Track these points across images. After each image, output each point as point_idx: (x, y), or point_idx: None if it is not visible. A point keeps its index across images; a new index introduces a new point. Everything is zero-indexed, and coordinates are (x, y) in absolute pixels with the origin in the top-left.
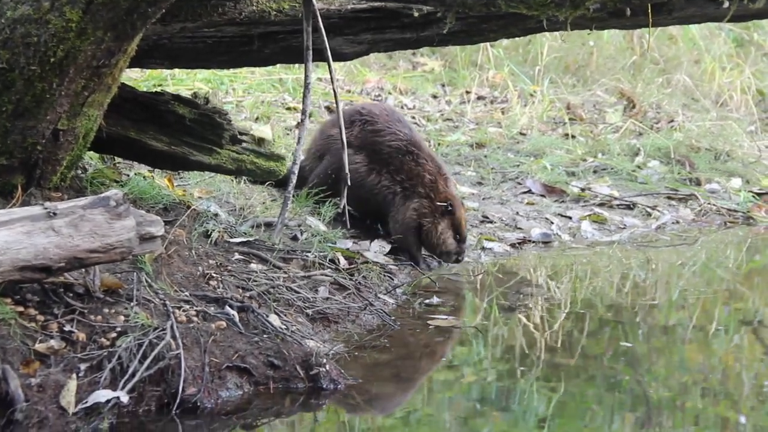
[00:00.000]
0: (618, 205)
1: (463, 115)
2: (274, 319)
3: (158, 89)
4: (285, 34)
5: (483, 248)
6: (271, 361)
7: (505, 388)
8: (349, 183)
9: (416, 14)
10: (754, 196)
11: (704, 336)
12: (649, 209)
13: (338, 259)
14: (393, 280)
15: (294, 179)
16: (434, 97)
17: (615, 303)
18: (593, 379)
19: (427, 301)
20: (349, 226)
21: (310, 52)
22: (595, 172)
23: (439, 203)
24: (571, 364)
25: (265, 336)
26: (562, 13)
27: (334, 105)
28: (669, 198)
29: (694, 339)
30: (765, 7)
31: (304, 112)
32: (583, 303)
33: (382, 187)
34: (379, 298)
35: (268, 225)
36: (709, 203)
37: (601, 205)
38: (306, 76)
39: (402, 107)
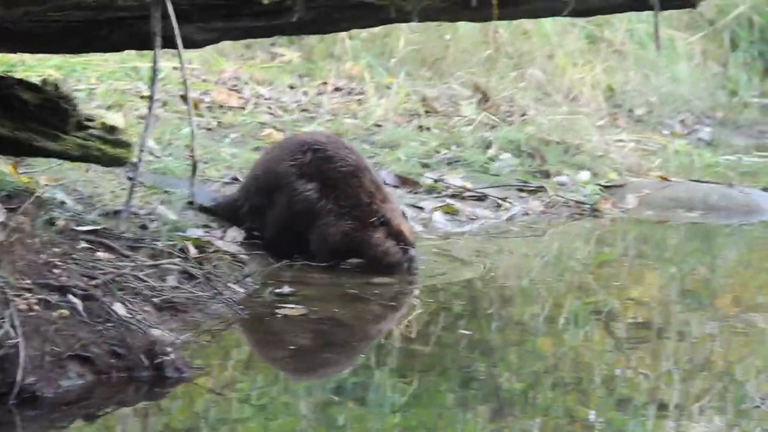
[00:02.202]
0: (470, 196)
1: (320, 107)
2: (119, 307)
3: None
4: (134, 20)
5: None
6: (115, 350)
7: (356, 376)
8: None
9: (266, 2)
10: (601, 189)
11: (554, 327)
12: (500, 201)
13: (188, 248)
14: (244, 269)
15: (141, 166)
16: (291, 87)
17: (464, 293)
18: (447, 370)
19: (277, 290)
20: (197, 213)
21: (159, 39)
22: (448, 163)
23: (370, 220)
24: (425, 353)
25: (109, 325)
26: (410, 3)
27: (198, 96)
28: (519, 190)
29: (544, 330)
30: (602, 4)
31: (151, 99)
32: (434, 293)
33: (328, 211)
34: (228, 287)
35: (117, 213)
36: (557, 195)
37: (453, 196)
38: (154, 62)
39: (258, 97)
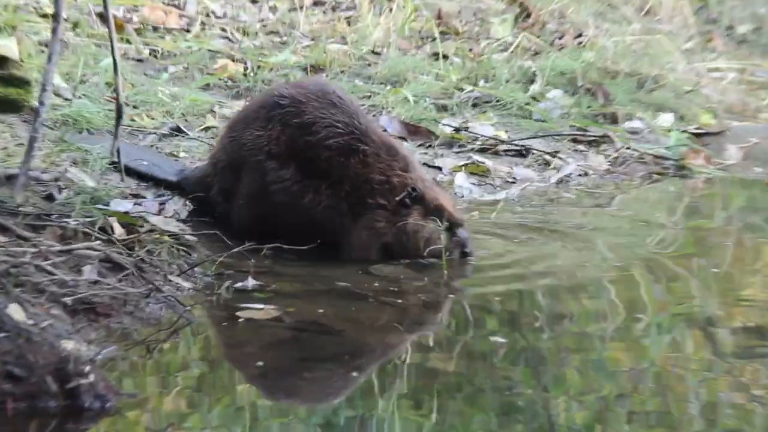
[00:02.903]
0: (506, 151)
1: (294, 27)
2: (14, 310)
3: None
4: None
5: None
6: (9, 370)
7: (351, 407)
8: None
9: None
10: (689, 138)
11: (630, 334)
12: (547, 156)
13: (112, 227)
14: (191, 255)
15: (43, 111)
16: (253, 1)
17: (497, 288)
18: (478, 396)
19: (238, 284)
20: (123, 178)
21: None
22: (474, 105)
23: (397, 199)
24: (447, 371)
25: (1, 335)
26: None
27: (123, 14)
28: (575, 141)
29: (615, 338)
30: None
31: (57, 19)
32: (456, 285)
33: (325, 208)
34: (169, 280)
35: (11, 179)
36: (628, 147)
37: (482, 150)
38: None
39: (208, 16)
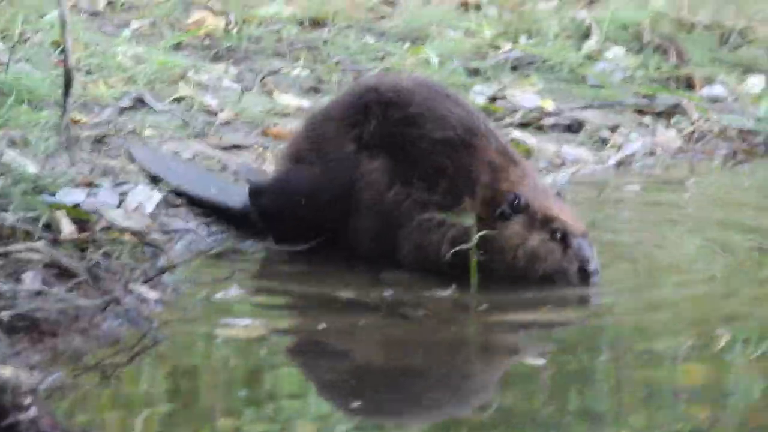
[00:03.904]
0: (553, 125)
1: None
2: None
3: None
4: None
5: None
6: None
7: None
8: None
9: None
10: None
11: (716, 362)
12: (605, 132)
13: (60, 224)
14: (159, 259)
15: None
16: None
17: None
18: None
19: (218, 294)
20: (74, 162)
21: None
22: (514, 68)
23: (498, 211)
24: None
25: None
26: None
27: None
28: (640, 112)
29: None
30: None
31: None
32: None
33: (412, 204)
34: (131, 290)
35: None
36: (707, 120)
37: (523, 125)
38: None
39: None
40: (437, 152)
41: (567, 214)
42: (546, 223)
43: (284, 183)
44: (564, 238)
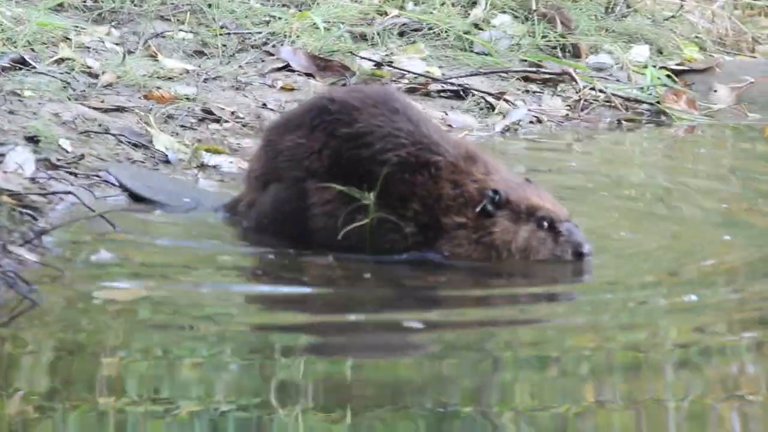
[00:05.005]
0: (440, 92)
1: None
2: None
3: None
4: None
5: (202, 165)
6: None
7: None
8: None
9: None
10: (669, 76)
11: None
12: (491, 99)
13: None
14: (37, 221)
15: None
16: None
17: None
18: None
19: (95, 256)
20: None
21: None
22: (401, 34)
23: (477, 210)
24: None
25: None
26: None
27: None
28: (526, 79)
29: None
30: None
31: None
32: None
33: (384, 233)
34: (9, 252)
35: None
36: (593, 88)
37: (410, 91)
38: None
39: None
40: (395, 176)
41: (548, 200)
42: (531, 213)
43: (248, 207)
44: (552, 226)
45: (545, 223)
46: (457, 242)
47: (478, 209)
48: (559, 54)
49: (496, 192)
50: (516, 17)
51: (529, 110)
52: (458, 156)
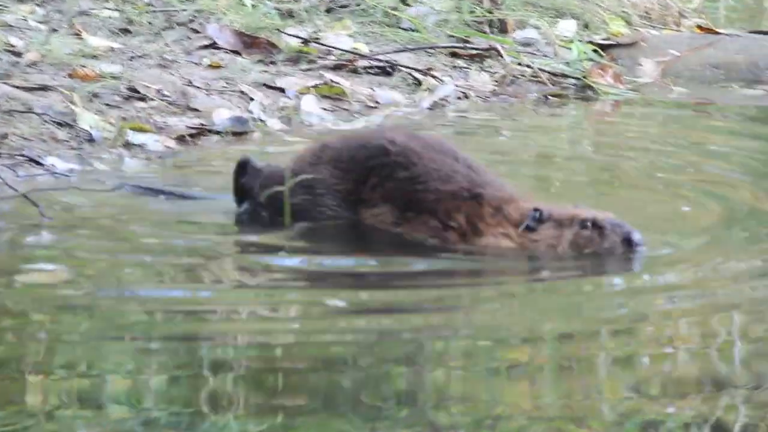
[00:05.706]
0: (367, 68)
1: None
2: None
3: None
4: None
5: (128, 144)
6: None
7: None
8: None
9: None
10: (595, 51)
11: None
12: (418, 75)
13: None
14: None
15: None
16: None
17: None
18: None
19: (25, 239)
20: None
21: None
22: (328, 11)
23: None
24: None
25: None
26: None
27: None
28: (453, 55)
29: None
30: None
31: None
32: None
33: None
34: None
35: None
36: (519, 63)
37: (337, 68)
38: None
39: None
40: (443, 200)
41: (585, 212)
42: (573, 219)
43: None
44: (596, 224)
45: (589, 224)
46: (504, 237)
47: (521, 228)
48: (486, 29)
49: (537, 209)
50: None
51: (456, 86)
52: (503, 191)
